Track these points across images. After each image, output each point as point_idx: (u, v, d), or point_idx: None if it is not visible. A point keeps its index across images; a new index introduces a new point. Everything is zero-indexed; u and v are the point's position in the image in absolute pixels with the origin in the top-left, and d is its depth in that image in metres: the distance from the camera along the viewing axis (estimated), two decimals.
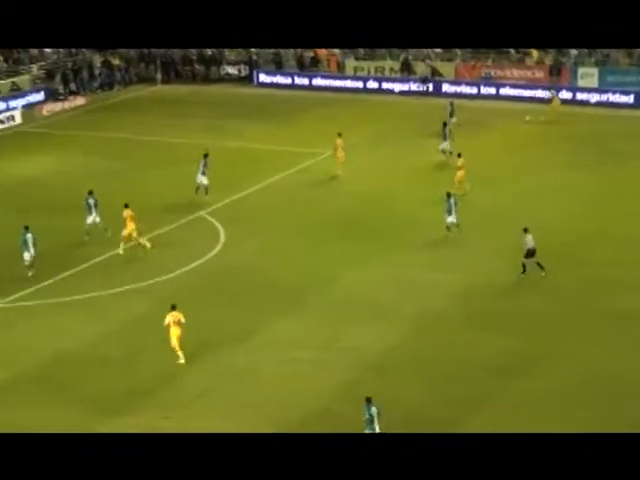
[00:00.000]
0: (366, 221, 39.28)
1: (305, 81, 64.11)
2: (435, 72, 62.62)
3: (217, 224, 39.21)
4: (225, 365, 28.19)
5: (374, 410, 23.41)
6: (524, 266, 33.48)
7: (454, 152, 44.08)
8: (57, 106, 59.58)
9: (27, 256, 34.27)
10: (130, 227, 35.86)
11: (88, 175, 45.26)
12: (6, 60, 62.48)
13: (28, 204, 40.99)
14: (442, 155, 45.84)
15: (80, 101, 61.05)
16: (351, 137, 47.54)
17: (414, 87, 61.62)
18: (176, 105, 59.59)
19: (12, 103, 58.25)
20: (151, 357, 28.69)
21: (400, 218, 39.33)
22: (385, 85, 62.52)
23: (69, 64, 64.12)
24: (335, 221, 39.30)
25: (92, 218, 37.43)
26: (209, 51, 67.23)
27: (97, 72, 65.29)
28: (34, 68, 62.89)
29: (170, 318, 28.38)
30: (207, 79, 66.53)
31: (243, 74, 66.29)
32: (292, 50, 66.39)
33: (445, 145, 45.89)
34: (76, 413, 25.49)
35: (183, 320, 28.32)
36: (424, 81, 61.71)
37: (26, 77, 62.00)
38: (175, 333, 28.26)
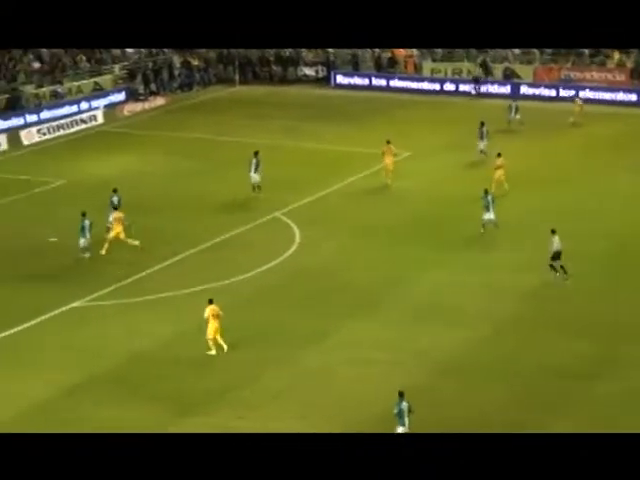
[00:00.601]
0: (442, 224, 39.16)
1: (382, 82, 64.13)
2: (513, 74, 62.21)
3: (292, 225, 39.40)
4: (300, 366, 28.27)
5: (404, 405, 23.74)
6: (553, 267, 33.27)
7: (489, 152, 44.63)
8: (138, 106, 60.42)
9: (83, 242, 35.93)
10: (117, 229, 36.23)
11: (168, 175, 45.84)
12: (89, 60, 63.52)
13: (107, 204, 41.57)
14: (480, 155, 46.04)
15: (160, 101, 61.84)
16: (428, 139, 47.47)
17: (492, 89, 61.29)
18: (254, 106, 60.04)
19: (94, 103, 59.18)
20: (225, 357, 28.83)
21: (476, 221, 39.10)
22: (462, 87, 62.24)
23: (150, 64, 64.99)
24: (411, 223, 39.27)
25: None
26: (287, 52, 67.59)
27: (177, 73, 66.05)
28: (116, 68, 63.82)
29: (209, 312, 28.83)
30: (284, 80, 66.87)
31: (320, 75, 66.51)
32: (369, 51, 66.46)
33: (482, 145, 46.12)
34: (150, 413, 25.70)
35: (221, 313, 28.86)
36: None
37: (108, 77, 62.98)
38: (213, 326, 28.75)
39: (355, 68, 66.03)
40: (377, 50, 66.14)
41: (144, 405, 26.22)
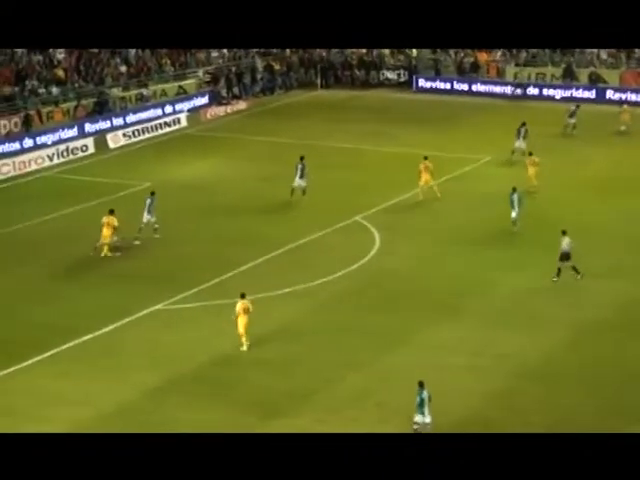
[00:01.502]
0: (524, 228, 38.92)
1: (464, 87, 63.92)
2: (599, 79, 61.55)
3: (372, 229, 39.49)
4: (380, 370, 28.34)
5: (425, 394, 24.35)
6: (559, 270, 33.41)
7: (526, 151, 45.01)
8: (220, 110, 61.11)
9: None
10: (107, 233, 36.52)
11: (249, 178, 46.27)
12: (173, 64, 64.48)
13: (192, 206, 42.24)
14: (517, 154, 46.29)
15: (242, 105, 62.44)
16: (508, 143, 47.27)
17: (576, 93, 60.75)
18: (335, 110, 60.33)
19: (178, 106, 60.07)
20: (307, 359, 29.03)
21: (558, 225, 38.72)
22: (546, 92, 61.74)
23: (233, 69, 65.69)
24: (492, 228, 39.12)
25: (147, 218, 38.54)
26: (369, 56, 67.73)
27: (259, 77, 66.64)
28: (200, 72, 64.65)
29: (240, 306, 29.19)
30: (366, 84, 66.99)
31: (402, 79, 66.52)
32: (452, 55, 66.29)
33: (520, 143, 46.25)
34: (232, 415, 25.88)
35: (251, 308, 29.32)
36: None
37: (192, 81, 63.82)
38: (243, 321, 29.18)
39: (437, 72, 65.90)
40: (459, 54, 65.98)
41: (226, 408, 26.43)
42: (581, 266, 34.89)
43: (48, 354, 29.73)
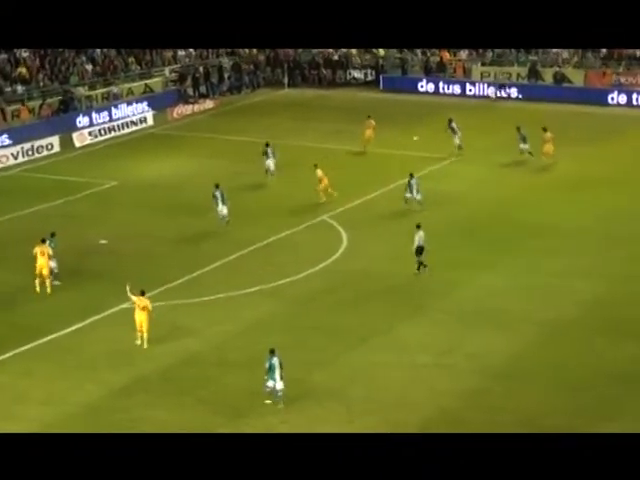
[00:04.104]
0: (491, 228, 39.16)
1: (431, 86, 64.10)
2: (564, 78, 61.97)
3: (339, 228, 39.51)
4: (347, 369, 28.33)
5: (275, 360, 25.76)
6: (420, 264, 34.58)
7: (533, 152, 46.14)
8: (187, 109, 60.95)
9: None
10: (44, 262, 33.49)
11: (216, 177, 45.92)
12: (139, 63, 64.19)
13: (159, 204, 42.09)
14: (522, 155, 46.75)
15: (209, 104, 62.30)
16: (474, 143, 47.46)
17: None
18: (303, 109, 60.34)
19: (144, 105, 59.66)
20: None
21: (526, 225, 39.14)
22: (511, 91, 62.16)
23: (200, 67, 65.50)
24: (459, 227, 39.27)
25: (221, 209, 39.35)
26: (336, 55, 67.80)
27: (226, 75, 66.49)
28: (166, 71, 64.41)
29: (137, 302, 29.50)
30: (333, 83, 67.11)
31: (369, 78, 66.66)
32: (418, 55, 66.49)
33: (523, 146, 46.76)
34: (199, 415, 25.79)
35: (150, 307, 29.53)
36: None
37: (158, 80, 63.57)
38: (139, 317, 29.48)
39: (404, 72, 66.07)
40: (426, 54, 66.19)
41: (193, 407, 26.33)
42: (545, 265, 35.12)
43: (12, 353, 29.53)
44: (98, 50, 62.08)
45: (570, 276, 34.17)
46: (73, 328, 31.09)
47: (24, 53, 59.60)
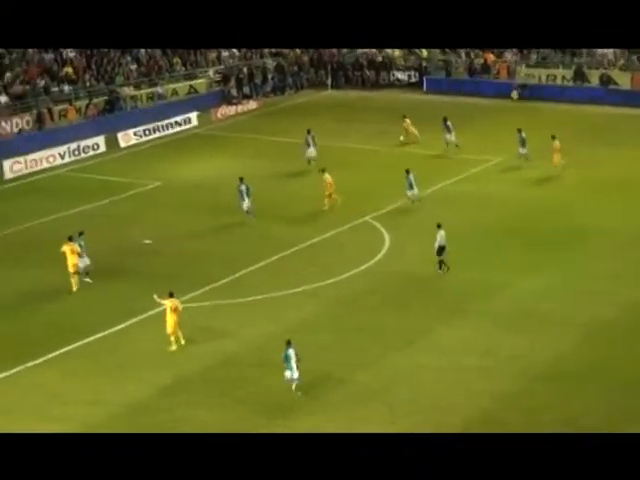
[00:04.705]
0: (537, 230, 38.96)
1: (475, 88, 63.83)
2: (610, 81, 61.50)
3: (382, 229, 39.51)
4: (389, 370, 28.33)
5: (291, 351, 26.47)
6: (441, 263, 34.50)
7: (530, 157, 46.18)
8: (231, 109, 61.20)
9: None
10: (72, 260, 34.07)
11: (259, 178, 46.15)
12: (184, 64, 64.57)
13: (203, 204, 42.26)
14: (522, 159, 46.66)
15: (253, 105, 62.51)
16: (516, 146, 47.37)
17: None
18: (346, 110, 60.32)
19: (189, 106, 59.89)
20: (318, 359, 28.86)
21: (571, 228, 38.93)
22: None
23: (244, 68, 65.74)
24: (504, 229, 39.11)
25: (246, 203, 39.95)
26: (379, 57, 67.79)
27: (270, 76, 66.69)
28: (210, 72, 64.73)
29: (168, 304, 29.33)
30: (377, 85, 67.01)
31: (413, 80, 66.55)
32: (462, 56, 66.29)
33: (522, 150, 46.63)
34: (242, 415, 25.86)
35: (180, 307, 29.46)
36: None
37: (203, 80, 63.89)
38: (172, 320, 29.25)
39: (447, 74, 65.87)
40: (470, 55, 65.99)
41: (236, 407, 26.40)
42: (592, 268, 34.90)
43: (58, 352, 29.78)
44: (143, 50, 62.53)
45: (612, 278, 33.94)
46: (116, 328, 31.29)
47: (70, 53, 60.17)
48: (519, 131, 46.93)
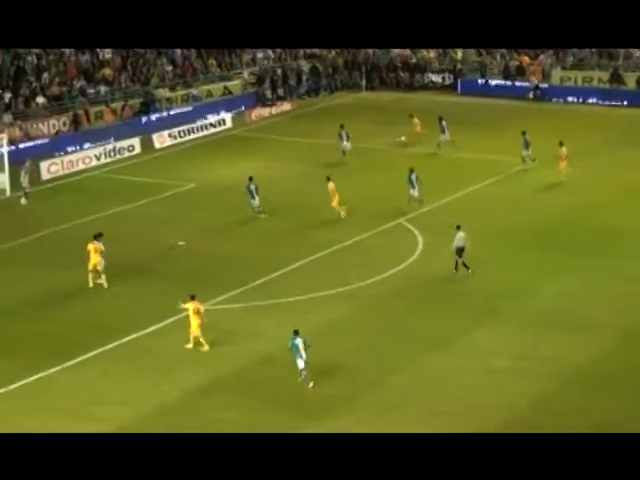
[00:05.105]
0: (569, 232, 38.82)
1: (509, 90, 63.57)
2: None
3: (416, 232, 39.45)
4: (422, 373, 28.30)
5: (299, 340, 27.16)
6: (456, 264, 34.61)
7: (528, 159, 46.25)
8: (265, 111, 61.33)
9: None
10: (97, 260, 34.47)
11: (293, 179, 46.44)
12: (219, 65, 64.84)
13: (237, 206, 42.30)
14: (527, 162, 46.59)
15: (287, 107, 62.61)
16: (553, 147, 47.05)
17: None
18: (380, 112, 60.26)
19: (223, 107, 60.15)
20: (350, 361, 28.96)
21: (605, 230, 38.75)
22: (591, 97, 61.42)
23: (278, 70, 65.91)
24: (537, 232, 38.97)
25: (255, 202, 40.93)
26: (414, 58, 67.73)
27: (304, 78, 66.80)
28: (245, 73, 64.93)
29: (191, 306, 29.45)
30: (411, 87, 66.94)
31: (447, 82, 66.42)
32: (497, 59, 66.10)
33: (525, 152, 46.54)
34: (273, 416, 25.91)
35: (202, 310, 29.53)
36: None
37: (237, 82, 64.11)
38: (196, 322, 29.45)
39: (482, 75, 65.69)
40: (505, 58, 65.78)
41: (267, 409, 26.47)
42: (624, 270, 34.70)
43: (93, 353, 29.97)
44: (178, 52, 62.90)
45: None
46: (150, 329, 31.44)
47: (107, 55, 60.64)
48: (523, 134, 46.74)
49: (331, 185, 41.16)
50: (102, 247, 34.72)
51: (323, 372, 28.29)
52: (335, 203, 40.85)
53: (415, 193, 41.21)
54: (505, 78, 64.65)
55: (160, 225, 41.28)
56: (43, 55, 58.56)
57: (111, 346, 30.45)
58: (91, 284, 34.65)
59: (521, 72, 64.73)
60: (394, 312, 32.34)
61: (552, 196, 43.29)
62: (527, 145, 46.54)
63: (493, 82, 64.40)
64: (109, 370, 29.07)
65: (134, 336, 31.04)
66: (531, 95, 62.19)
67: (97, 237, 35.02)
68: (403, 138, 51.83)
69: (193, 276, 35.49)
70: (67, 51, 59.06)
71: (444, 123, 49.95)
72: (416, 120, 52.00)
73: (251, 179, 41.37)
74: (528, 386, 27.20)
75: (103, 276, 34.65)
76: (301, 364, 27.34)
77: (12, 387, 28.00)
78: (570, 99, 61.62)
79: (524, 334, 30.38)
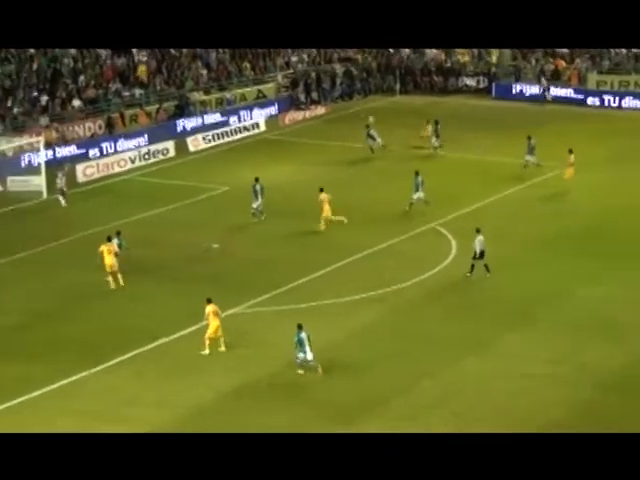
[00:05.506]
0: (602, 238, 38.58)
1: (545, 94, 63.18)
2: None
3: (449, 236, 39.30)
4: (455, 378, 28.15)
5: (303, 334, 27.72)
6: (472, 266, 34.95)
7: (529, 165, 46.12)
8: (299, 115, 61.35)
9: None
10: (108, 261, 34.72)
11: (326, 183, 46.09)
12: (253, 69, 64.97)
13: (270, 210, 42.24)
14: (529, 167, 46.33)
15: (320, 110, 62.55)
16: (588, 153, 46.79)
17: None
18: (413, 116, 60.04)
19: (257, 111, 60.33)
20: (381, 366, 28.91)
21: (638, 235, 38.46)
22: (628, 101, 60.95)
23: (312, 73, 65.93)
24: (568, 237, 38.72)
25: (257, 203, 40.99)
26: (448, 62, 67.56)
27: (338, 82, 66.77)
28: (279, 77, 65.03)
29: (209, 309, 29.60)
30: (445, 90, 66.75)
31: (481, 86, 66.18)
32: (532, 62, 65.78)
33: (530, 157, 46.28)
34: (305, 419, 25.89)
35: (219, 311, 29.62)
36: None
37: (271, 85, 64.20)
38: (215, 324, 29.57)
39: (517, 79, 65.37)
40: (540, 61, 65.45)
41: (300, 412, 26.40)
42: None
43: (126, 356, 30.06)
44: (213, 55, 63.11)
45: None
46: (185, 332, 31.46)
47: (142, 58, 60.97)
48: (529, 138, 46.44)
49: (323, 196, 40.68)
50: (116, 248, 35.12)
51: (354, 376, 28.24)
52: (326, 214, 40.32)
53: (420, 195, 41.46)
54: (540, 81, 64.24)
55: (194, 228, 41.32)
56: (79, 58, 58.97)
57: (145, 348, 30.54)
58: (113, 286, 34.82)
59: (557, 76, 64.34)
60: (427, 316, 32.23)
61: (589, 200, 42.99)
62: (532, 150, 46.22)
63: (527, 89, 64.01)
64: (143, 372, 29.15)
65: (168, 339, 31.07)
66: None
67: (111, 238, 35.41)
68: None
69: (226, 279, 35.55)
70: (103, 54, 59.46)
71: (439, 126, 50.55)
72: (428, 127, 51.86)
73: (257, 180, 41.46)
74: (564, 392, 26.97)
75: (119, 275, 34.85)
76: (307, 356, 27.96)
77: (47, 389, 28.10)
78: (606, 103, 61.14)
79: (560, 339, 30.16)
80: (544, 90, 62.27)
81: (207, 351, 29.88)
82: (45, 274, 37.08)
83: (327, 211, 40.34)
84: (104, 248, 34.97)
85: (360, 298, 33.70)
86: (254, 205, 41.27)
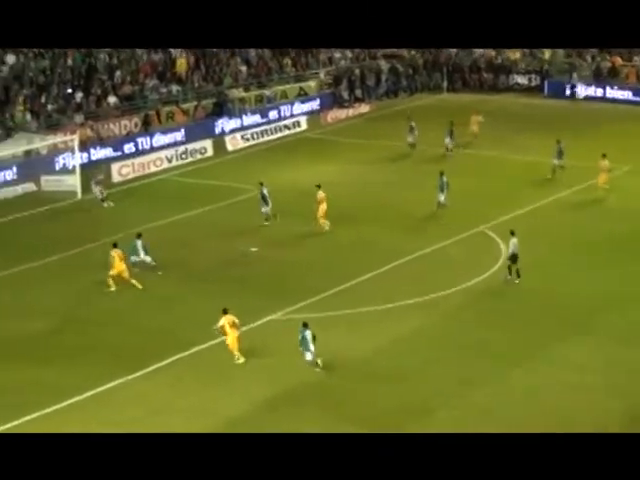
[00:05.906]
0: None
1: (600, 93, 61.19)
2: None
3: (498, 240, 37.69)
4: (504, 386, 27.09)
5: (308, 333, 27.42)
6: (509, 268, 33.54)
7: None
8: (342, 113, 59.85)
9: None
10: (119, 267, 34.05)
11: (369, 184, 45.27)
12: (294, 65, 63.36)
13: (311, 212, 40.69)
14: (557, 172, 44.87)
15: (364, 108, 61.05)
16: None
17: None
18: (460, 114, 57.95)
19: (298, 109, 58.90)
20: (426, 374, 27.87)
21: None
22: None
23: (356, 70, 64.18)
24: (627, 242, 37.34)
25: (267, 208, 39.94)
26: (499, 59, 65.66)
27: (384, 79, 64.99)
28: (321, 73, 63.38)
29: (224, 321, 28.67)
30: (495, 88, 65.02)
31: (533, 84, 64.26)
32: (588, 59, 63.78)
33: (557, 161, 44.78)
34: (345, 429, 24.27)
35: (237, 321, 28.79)
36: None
37: (313, 83, 62.57)
38: (233, 335, 28.72)
39: (571, 77, 63.15)
40: (596, 59, 63.41)
41: (338, 421, 25.26)
42: None
43: (162, 364, 29.10)
44: (252, 51, 61.56)
45: None
46: (218, 340, 30.00)
47: (180, 53, 59.42)
48: (558, 142, 44.94)
49: (321, 194, 39.40)
50: (122, 253, 34.47)
51: (396, 384, 27.24)
52: (320, 213, 39.16)
53: (442, 198, 40.35)
54: (596, 80, 61.94)
55: (232, 230, 40.13)
56: (115, 53, 57.57)
57: (180, 356, 29.55)
58: (113, 288, 34.02)
59: (614, 74, 62.09)
60: (476, 323, 31.04)
61: (637, 206, 41.18)
62: (560, 154, 44.69)
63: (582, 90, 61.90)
64: (178, 380, 28.29)
65: (204, 346, 30.04)
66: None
67: (116, 245, 34.78)
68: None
69: (266, 284, 34.61)
70: (139, 49, 58.01)
71: (453, 128, 49.54)
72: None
73: (262, 184, 40.18)
74: (619, 403, 25.93)
75: (133, 281, 34.06)
76: (309, 357, 27.71)
77: (82, 397, 27.22)
78: None
79: (614, 348, 29.14)
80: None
81: (242, 359, 28.93)
82: (76, 277, 35.98)
83: (322, 210, 39.15)
84: (114, 254, 34.22)
85: (406, 304, 32.49)
86: (263, 210, 39.95)
